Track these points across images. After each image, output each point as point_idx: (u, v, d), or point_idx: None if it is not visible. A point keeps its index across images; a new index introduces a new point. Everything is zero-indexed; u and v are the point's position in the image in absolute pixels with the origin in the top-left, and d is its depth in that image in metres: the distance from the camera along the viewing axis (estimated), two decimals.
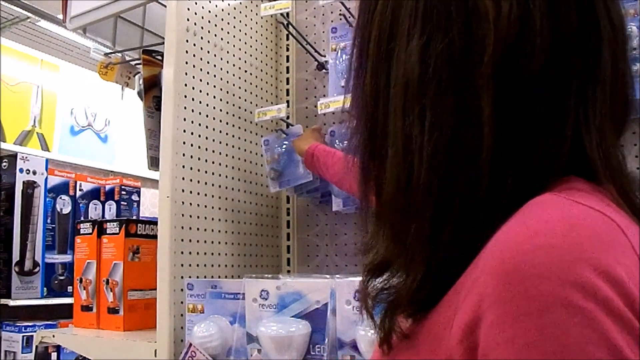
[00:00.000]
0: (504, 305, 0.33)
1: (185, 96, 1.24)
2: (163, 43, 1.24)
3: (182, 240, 1.19)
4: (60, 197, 2.24)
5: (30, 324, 2.12)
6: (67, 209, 2.25)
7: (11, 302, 2.05)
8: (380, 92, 0.44)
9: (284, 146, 1.37)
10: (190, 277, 1.19)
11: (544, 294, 0.32)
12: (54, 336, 1.38)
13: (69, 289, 2.18)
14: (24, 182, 2.11)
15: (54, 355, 2.14)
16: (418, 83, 0.41)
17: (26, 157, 2.15)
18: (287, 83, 1.58)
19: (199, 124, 1.27)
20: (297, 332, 0.96)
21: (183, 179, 1.21)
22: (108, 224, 1.43)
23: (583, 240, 0.33)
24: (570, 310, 0.31)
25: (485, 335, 0.34)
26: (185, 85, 1.24)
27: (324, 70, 1.47)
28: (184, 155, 1.22)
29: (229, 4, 1.40)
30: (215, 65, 1.34)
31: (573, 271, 0.32)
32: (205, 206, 1.27)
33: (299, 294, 0.99)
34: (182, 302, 1.14)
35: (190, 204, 1.23)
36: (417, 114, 0.41)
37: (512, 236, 0.35)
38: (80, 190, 2.30)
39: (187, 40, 1.25)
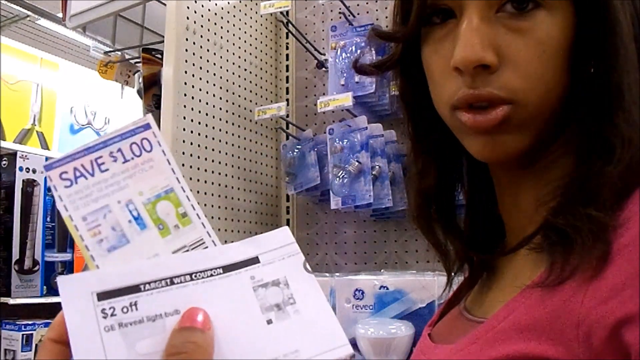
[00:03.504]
0: None
1: (185, 94, 1.24)
2: (163, 41, 1.24)
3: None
4: None
5: (29, 322, 2.12)
6: None
7: (11, 301, 2.05)
8: None
9: (296, 151, 1.39)
10: None
11: None
12: None
13: None
14: (23, 180, 2.11)
15: None
16: None
17: (26, 156, 2.15)
18: (287, 81, 1.57)
19: (199, 123, 1.27)
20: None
21: (182, 177, 1.21)
22: None
23: None
24: None
25: None
26: (185, 83, 1.24)
27: (323, 69, 1.47)
28: (183, 153, 1.22)
29: (228, 3, 1.40)
30: (214, 64, 1.34)
31: None
32: (205, 204, 1.27)
33: None
34: None
35: None
36: None
37: None
38: None
39: (186, 39, 1.25)
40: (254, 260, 0.35)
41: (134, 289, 0.33)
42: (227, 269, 0.35)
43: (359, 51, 1.30)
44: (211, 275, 0.35)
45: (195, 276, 0.34)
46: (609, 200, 0.40)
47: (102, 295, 0.32)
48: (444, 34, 0.48)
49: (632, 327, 0.34)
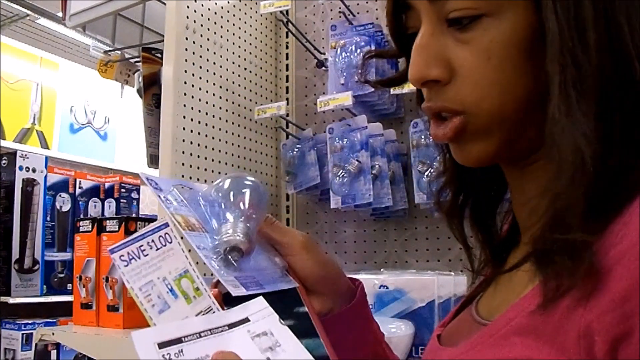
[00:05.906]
0: None
1: (185, 94, 1.24)
2: (162, 41, 1.24)
3: (182, 237, 1.19)
4: (60, 195, 2.23)
5: (29, 321, 2.12)
6: (66, 207, 2.25)
7: (11, 300, 2.05)
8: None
9: (296, 151, 1.41)
10: None
11: None
12: (53, 334, 1.38)
13: (69, 286, 2.17)
14: (23, 179, 2.11)
15: (53, 353, 2.14)
16: None
17: (26, 155, 2.15)
18: (287, 81, 1.58)
19: (199, 122, 1.27)
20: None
21: (182, 176, 1.21)
22: (107, 221, 1.42)
23: None
24: None
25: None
26: (185, 82, 1.24)
27: (323, 68, 1.47)
28: (183, 152, 1.22)
29: (228, 2, 1.40)
30: (214, 63, 1.34)
31: None
32: None
33: None
34: None
35: None
36: None
37: None
38: (79, 187, 2.29)
39: (186, 38, 1.25)
40: (246, 320, 0.50)
41: (179, 340, 0.47)
42: (231, 326, 0.49)
43: (360, 52, 1.29)
44: (222, 330, 0.49)
45: (213, 331, 0.49)
46: (575, 218, 0.39)
47: (161, 345, 0.46)
48: None
49: (627, 344, 0.34)
